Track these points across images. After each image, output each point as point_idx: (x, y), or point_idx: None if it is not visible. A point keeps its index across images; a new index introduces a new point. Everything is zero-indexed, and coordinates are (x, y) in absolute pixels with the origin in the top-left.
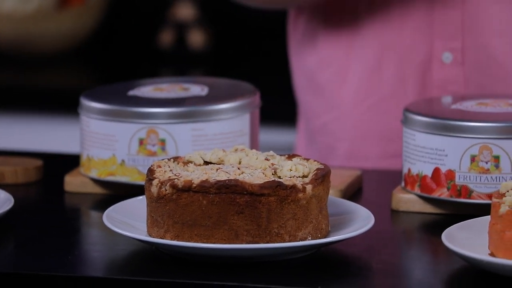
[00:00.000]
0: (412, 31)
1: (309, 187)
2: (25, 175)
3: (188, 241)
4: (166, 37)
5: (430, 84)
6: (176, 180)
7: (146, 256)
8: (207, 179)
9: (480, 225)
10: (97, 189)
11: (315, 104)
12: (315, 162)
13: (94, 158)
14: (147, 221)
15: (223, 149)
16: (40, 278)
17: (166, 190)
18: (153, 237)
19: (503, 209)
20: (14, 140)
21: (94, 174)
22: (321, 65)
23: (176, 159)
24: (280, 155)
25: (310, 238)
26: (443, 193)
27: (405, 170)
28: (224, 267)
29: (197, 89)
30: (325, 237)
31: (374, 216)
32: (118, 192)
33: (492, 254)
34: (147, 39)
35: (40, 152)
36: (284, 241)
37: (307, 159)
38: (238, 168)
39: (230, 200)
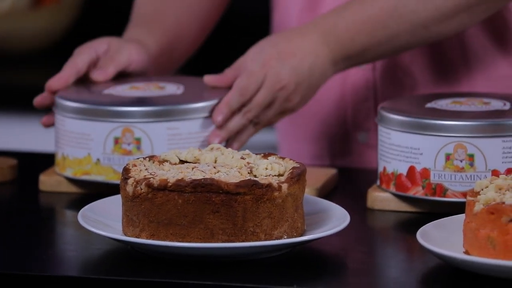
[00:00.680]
0: None
1: (284, 186)
2: (0, 175)
3: (164, 240)
4: None
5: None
6: (151, 179)
7: (122, 256)
8: (182, 178)
9: (454, 224)
10: (72, 188)
11: None
12: (291, 161)
13: (69, 157)
14: (122, 220)
15: (199, 148)
16: (14, 278)
17: (141, 189)
18: (129, 236)
19: (478, 207)
20: None
21: (69, 173)
22: None
23: (151, 158)
24: (256, 154)
25: (285, 237)
26: (418, 192)
27: (380, 169)
28: (200, 266)
29: (173, 88)
30: (301, 235)
31: (349, 214)
32: (93, 191)
33: (466, 252)
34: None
35: (14, 151)
36: (260, 240)
37: (283, 158)
38: (214, 167)
39: (206, 199)
